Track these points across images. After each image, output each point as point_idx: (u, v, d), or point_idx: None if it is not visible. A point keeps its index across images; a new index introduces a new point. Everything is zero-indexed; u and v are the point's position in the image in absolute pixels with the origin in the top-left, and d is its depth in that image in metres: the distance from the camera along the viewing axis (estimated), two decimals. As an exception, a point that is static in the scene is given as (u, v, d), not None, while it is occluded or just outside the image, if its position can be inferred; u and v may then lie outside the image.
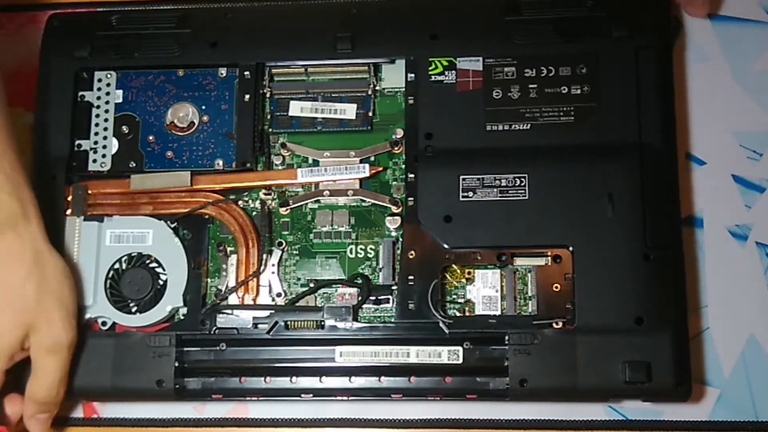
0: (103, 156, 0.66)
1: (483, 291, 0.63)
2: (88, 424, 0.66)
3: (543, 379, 0.59)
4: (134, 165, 0.66)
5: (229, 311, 0.63)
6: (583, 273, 0.60)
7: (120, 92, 0.68)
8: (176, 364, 0.61)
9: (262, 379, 0.62)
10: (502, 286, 0.62)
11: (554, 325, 0.60)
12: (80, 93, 0.68)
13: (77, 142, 0.67)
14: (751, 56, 0.69)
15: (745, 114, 0.68)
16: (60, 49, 0.69)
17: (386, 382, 0.62)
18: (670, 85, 0.63)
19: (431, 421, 0.64)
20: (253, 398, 0.63)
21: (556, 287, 0.61)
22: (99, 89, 0.68)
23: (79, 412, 0.66)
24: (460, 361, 0.61)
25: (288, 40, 0.67)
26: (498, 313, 0.62)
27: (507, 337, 0.60)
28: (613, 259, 0.60)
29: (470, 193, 0.62)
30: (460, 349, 0.61)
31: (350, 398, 0.62)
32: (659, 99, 0.63)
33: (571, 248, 0.61)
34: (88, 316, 0.63)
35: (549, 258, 0.62)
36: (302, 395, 0.62)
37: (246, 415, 0.65)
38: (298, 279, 0.64)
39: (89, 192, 0.66)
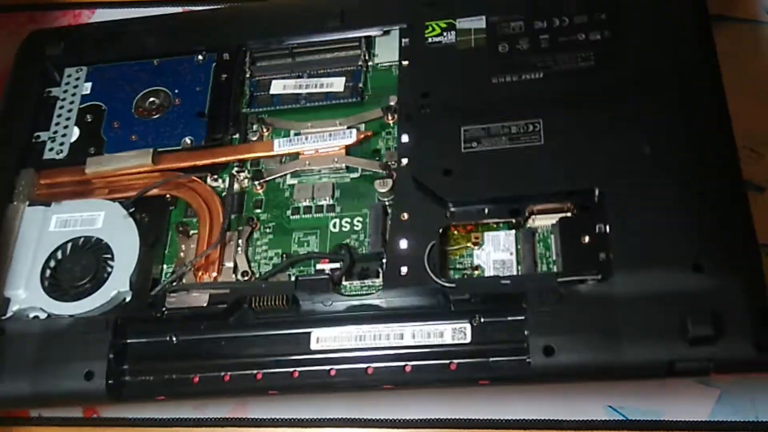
0: (61, 144, 0.59)
1: (494, 255, 0.50)
2: (88, 424, 0.61)
3: (574, 353, 0.45)
4: (93, 151, 0.58)
5: (183, 291, 0.51)
6: (621, 217, 0.48)
7: (89, 84, 0.62)
8: (111, 356, 0.49)
9: (221, 375, 0.49)
10: (517, 249, 0.50)
11: (585, 281, 0.47)
12: (47, 89, 0.62)
13: (36, 134, 0.59)
14: (751, 56, 0.64)
15: (744, 114, 0.59)
16: (33, 53, 0.64)
17: (375, 372, 0.48)
18: (706, 19, 0.54)
19: (432, 421, 0.56)
20: (208, 400, 0.49)
21: (586, 240, 0.48)
22: (67, 83, 0.62)
23: (78, 412, 0.61)
24: (468, 340, 0.47)
25: (270, 18, 0.61)
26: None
27: (525, 302, 0.46)
28: (655, 198, 0.48)
29: (474, 144, 0.52)
30: (468, 325, 0.47)
31: (328, 394, 0.48)
32: (696, 27, 0.53)
33: (601, 192, 0.49)
34: (16, 307, 0.52)
35: (573, 208, 0.49)
36: (269, 392, 0.48)
37: (246, 415, 0.59)
38: (270, 258, 0.53)
39: (41, 182, 0.57)
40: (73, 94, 0.63)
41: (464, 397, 0.56)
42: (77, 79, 0.63)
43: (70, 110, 0.62)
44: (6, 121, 0.62)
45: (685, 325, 0.45)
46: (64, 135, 0.61)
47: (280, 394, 0.49)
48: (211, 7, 0.71)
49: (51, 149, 0.60)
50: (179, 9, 0.73)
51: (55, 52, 0.64)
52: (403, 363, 0.49)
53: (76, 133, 0.61)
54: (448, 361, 0.48)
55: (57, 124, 0.61)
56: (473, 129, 0.53)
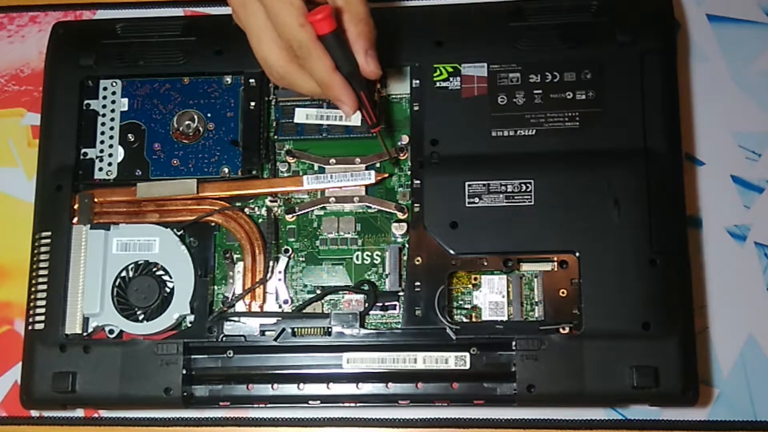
0: (109, 164, 0.69)
1: (489, 296, 0.66)
2: (88, 423, 0.71)
3: (550, 385, 0.63)
4: (140, 173, 0.69)
5: (236, 318, 0.65)
6: (590, 278, 0.64)
7: (125, 101, 0.71)
8: (184, 372, 0.65)
9: (270, 386, 0.65)
10: (508, 292, 0.65)
11: (561, 330, 0.63)
12: (86, 101, 0.70)
13: (83, 150, 0.69)
14: (749, 57, 0.74)
15: (743, 114, 0.73)
16: (65, 58, 0.73)
17: (393, 388, 0.65)
18: (675, 90, 0.67)
19: (433, 421, 0.70)
20: (261, 405, 0.64)
21: (563, 292, 0.64)
22: (104, 98, 0.71)
23: (79, 412, 0.71)
24: (468, 366, 0.63)
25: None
26: (504, 318, 0.64)
27: (514, 343, 0.62)
28: (619, 264, 0.64)
29: (476, 199, 0.65)
30: (468, 354, 0.63)
31: (357, 405, 0.64)
32: (664, 104, 0.67)
33: (577, 254, 0.64)
34: (95, 324, 0.67)
35: (555, 263, 0.65)
36: (309, 402, 0.64)
37: (246, 414, 0.70)
38: (305, 286, 0.67)
39: (95, 200, 0.68)
40: (113, 111, 0.71)
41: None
42: (113, 93, 0.72)
43: (112, 128, 0.71)
44: (52, 134, 0.71)
45: (632, 374, 0.61)
46: (110, 155, 0.70)
47: (319, 403, 0.65)
48: (208, 9, 0.79)
49: (101, 169, 0.70)
50: (180, 11, 0.80)
51: (88, 63, 0.72)
52: (415, 382, 0.65)
53: (121, 153, 0.70)
54: (451, 383, 0.64)
55: (102, 142, 0.71)
56: (476, 184, 0.66)
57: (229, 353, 0.66)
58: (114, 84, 0.72)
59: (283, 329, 0.66)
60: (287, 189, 0.69)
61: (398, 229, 0.68)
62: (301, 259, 0.69)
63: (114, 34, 0.73)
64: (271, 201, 0.69)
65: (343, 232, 0.69)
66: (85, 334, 0.67)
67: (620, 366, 0.63)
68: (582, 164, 0.66)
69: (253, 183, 0.70)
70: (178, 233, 0.69)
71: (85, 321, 0.67)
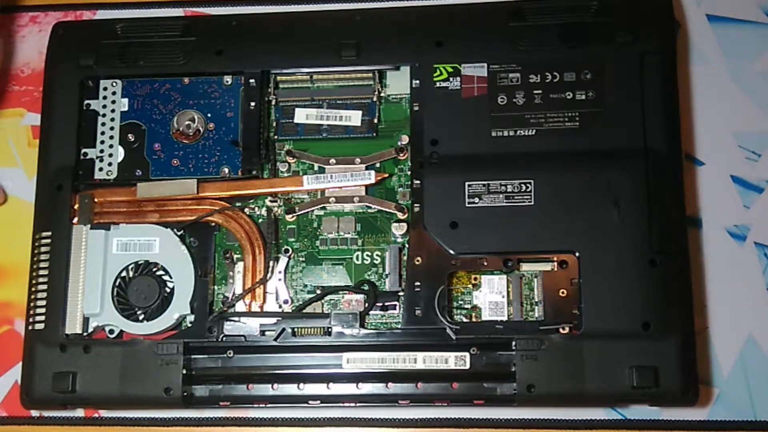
0: (109, 164, 0.70)
1: (489, 296, 0.66)
2: (88, 423, 0.72)
3: (550, 385, 0.63)
4: (140, 173, 0.69)
5: (236, 318, 0.65)
6: (590, 278, 0.64)
7: (126, 101, 0.71)
8: (184, 372, 0.65)
9: (270, 386, 0.66)
10: (508, 292, 0.65)
11: (561, 330, 0.63)
12: (86, 101, 0.70)
13: (83, 150, 0.69)
14: (749, 57, 0.75)
15: (743, 115, 0.74)
16: (65, 58, 0.73)
17: (393, 388, 0.65)
18: (675, 90, 0.67)
19: (433, 421, 0.70)
20: (261, 405, 0.65)
21: (563, 292, 0.64)
22: (104, 98, 0.71)
23: (79, 412, 0.72)
24: (467, 366, 0.63)
25: (293, 48, 0.70)
26: (504, 318, 0.64)
27: (514, 343, 0.63)
28: (619, 264, 0.64)
29: (476, 199, 0.65)
30: (467, 354, 0.64)
31: (357, 405, 0.64)
32: (664, 104, 0.67)
33: (577, 254, 0.64)
34: (95, 324, 0.66)
35: (555, 263, 0.65)
36: (309, 402, 0.64)
37: (246, 414, 0.71)
38: (305, 286, 0.67)
39: (96, 200, 0.68)
40: (113, 111, 0.71)
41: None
42: (114, 93, 0.72)
43: (112, 128, 0.71)
44: (52, 134, 0.71)
45: (632, 374, 0.61)
46: (110, 155, 0.71)
47: (319, 403, 0.65)
48: (208, 9, 0.80)
49: (101, 169, 0.70)
50: (180, 11, 0.80)
51: (88, 63, 0.72)
52: (415, 382, 0.65)
53: (121, 153, 0.70)
54: (451, 383, 0.64)
55: (102, 142, 0.71)
56: (476, 185, 0.66)
57: (229, 353, 0.66)
58: (114, 84, 0.72)
59: (283, 329, 0.66)
60: (287, 189, 0.69)
61: (398, 229, 0.68)
62: (301, 259, 0.69)
63: (114, 34, 0.73)
64: (271, 201, 0.69)
65: (343, 232, 0.69)
66: (85, 334, 0.67)
67: (620, 366, 0.63)
68: (582, 164, 0.66)
69: (253, 183, 0.70)
70: (178, 233, 0.69)
71: (85, 321, 0.67)
